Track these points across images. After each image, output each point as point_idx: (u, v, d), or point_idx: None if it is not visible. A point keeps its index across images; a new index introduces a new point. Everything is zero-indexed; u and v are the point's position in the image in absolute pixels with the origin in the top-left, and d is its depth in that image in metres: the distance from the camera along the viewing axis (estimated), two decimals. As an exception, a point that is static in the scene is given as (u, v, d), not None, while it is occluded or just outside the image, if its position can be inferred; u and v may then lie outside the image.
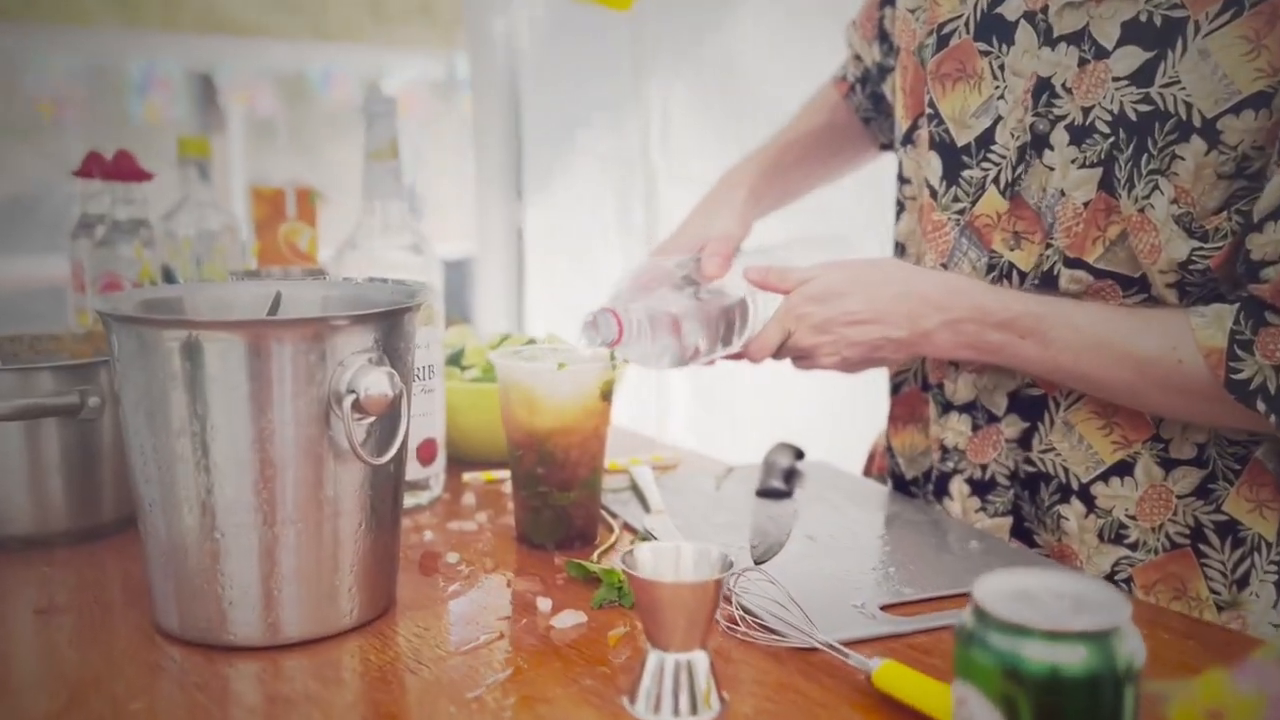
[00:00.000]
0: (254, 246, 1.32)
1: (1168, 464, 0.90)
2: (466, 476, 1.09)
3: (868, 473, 1.18)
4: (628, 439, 1.21)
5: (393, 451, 0.74)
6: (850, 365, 0.96)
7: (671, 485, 1.07)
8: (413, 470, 0.99)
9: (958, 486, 0.99)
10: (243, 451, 0.70)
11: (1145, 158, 0.84)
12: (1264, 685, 0.36)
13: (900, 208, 1.07)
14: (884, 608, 0.79)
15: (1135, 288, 0.88)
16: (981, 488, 0.98)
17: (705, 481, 1.09)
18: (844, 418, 1.49)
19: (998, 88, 0.92)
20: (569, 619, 0.77)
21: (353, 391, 0.71)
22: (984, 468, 0.97)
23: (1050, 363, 0.89)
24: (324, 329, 0.71)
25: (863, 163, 1.26)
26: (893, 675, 0.67)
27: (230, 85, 4.43)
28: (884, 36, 1.13)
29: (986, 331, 0.90)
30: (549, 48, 2.56)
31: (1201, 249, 0.84)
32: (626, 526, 0.97)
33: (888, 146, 1.19)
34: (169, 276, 1.22)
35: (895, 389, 1.09)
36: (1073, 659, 0.46)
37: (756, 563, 0.87)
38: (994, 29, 0.92)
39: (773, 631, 0.74)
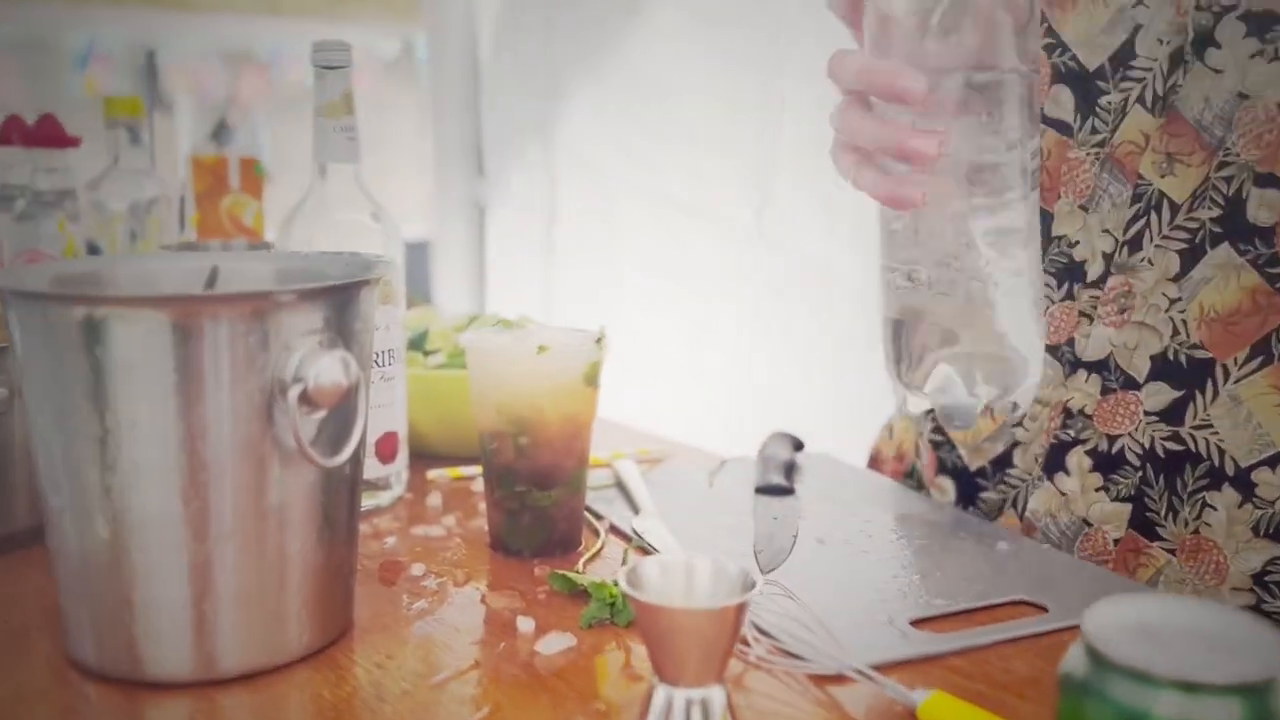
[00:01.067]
0: (194, 219, 1.21)
1: None
2: (431, 474, 0.98)
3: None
4: (608, 429, 1.11)
5: (348, 451, 0.63)
6: None
7: (660, 481, 0.97)
8: (371, 468, 0.88)
9: (1077, 460, 0.85)
10: (168, 453, 0.59)
11: None
12: None
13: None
14: (914, 623, 0.69)
15: None
16: (1107, 464, 0.83)
17: (697, 476, 0.99)
18: (839, 404, 1.40)
19: None
20: (556, 643, 0.67)
21: (300, 380, 0.60)
22: (1112, 440, 0.83)
23: None
24: (265, 306, 0.60)
25: None
26: (943, 710, 0.57)
27: (175, 62, 4.26)
28: None
29: None
30: (511, 21, 2.44)
31: None
32: (613, 529, 0.87)
33: None
34: (94, 252, 1.09)
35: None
36: (1218, 718, 0.36)
37: (763, 571, 0.77)
38: None
39: (793, 655, 0.64)
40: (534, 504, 0.80)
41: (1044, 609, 0.72)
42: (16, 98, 3.58)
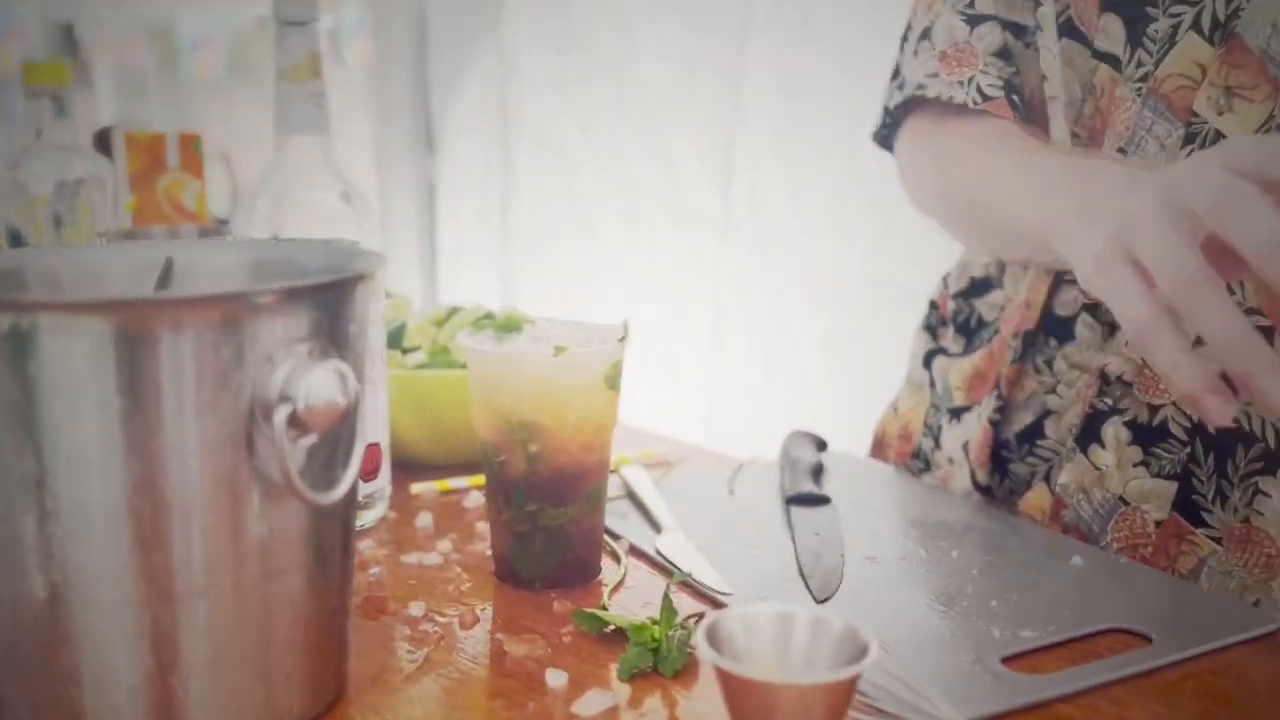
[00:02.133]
0: (128, 203, 1.07)
1: None
2: (416, 488, 0.87)
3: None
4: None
5: (345, 483, 0.52)
6: None
7: (675, 490, 0.86)
8: (352, 487, 0.76)
9: (1114, 431, 0.77)
10: (116, 495, 0.47)
11: None
12: None
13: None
14: (1005, 660, 0.60)
15: None
16: (1146, 436, 0.76)
17: (715, 483, 0.89)
18: (842, 395, 1.30)
19: None
20: (595, 702, 0.56)
21: (287, 400, 0.48)
22: (1154, 410, 0.75)
23: None
24: (240, 310, 0.48)
25: None
26: (1086, 785, 0.47)
27: (96, 37, 4.03)
28: None
29: None
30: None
31: None
32: (634, 551, 0.76)
33: None
34: (16, 240, 0.96)
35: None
36: None
37: (817, 600, 0.67)
38: None
39: (888, 714, 0.54)
40: (547, 523, 0.69)
41: (1146, 639, 0.62)
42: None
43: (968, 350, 0.91)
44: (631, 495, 0.84)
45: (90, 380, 0.46)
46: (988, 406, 0.85)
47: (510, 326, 0.70)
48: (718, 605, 0.67)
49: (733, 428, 1.66)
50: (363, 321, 0.55)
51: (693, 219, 1.78)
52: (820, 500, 0.82)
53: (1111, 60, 0.76)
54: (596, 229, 1.96)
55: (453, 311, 0.97)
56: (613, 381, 0.69)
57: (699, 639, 0.45)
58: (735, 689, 0.43)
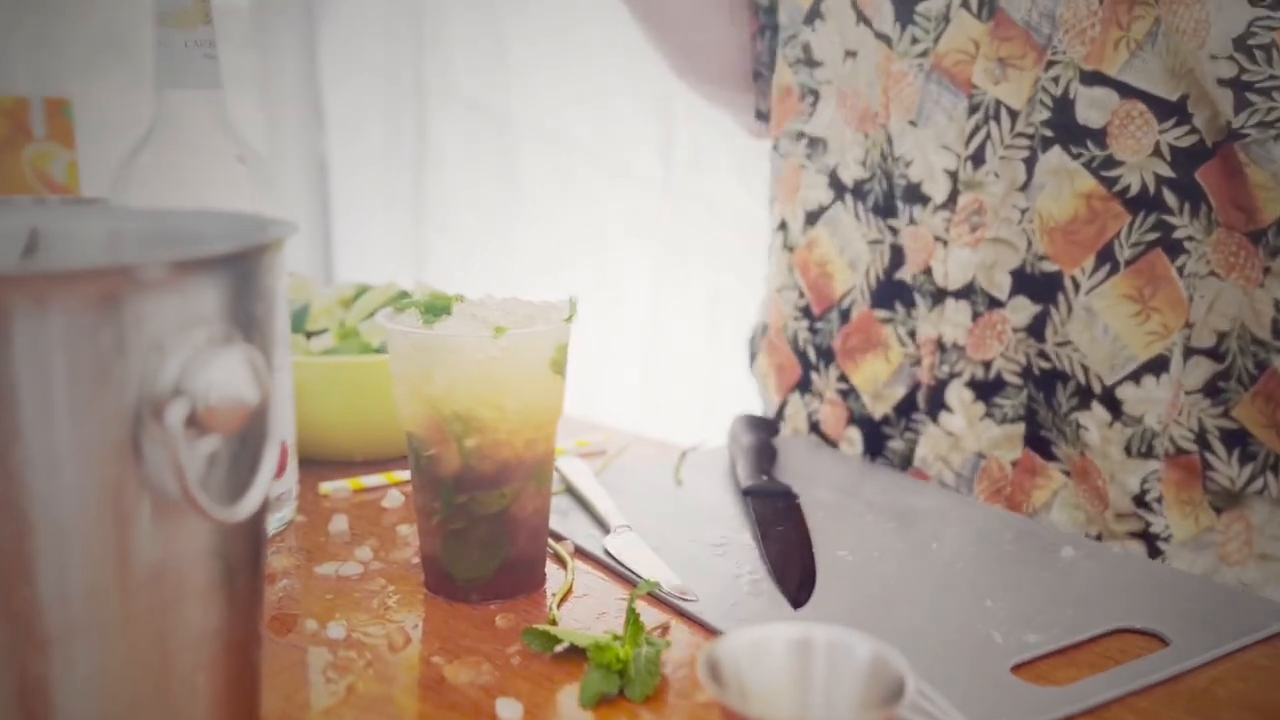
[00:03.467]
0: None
1: (1187, 353, 0.73)
2: (326, 487, 0.78)
3: None
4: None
5: (256, 494, 0.43)
6: None
7: (618, 483, 0.78)
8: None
9: (957, 393, 0.80)
10: (-24, 517, 0.38)
11: None
12: None
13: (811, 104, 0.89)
14: (1015, 669, 0.53)
15: (1174, 116, 0.69)
16: (987, 390, 0.79)
17: (660, 473, 0.81)
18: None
19: None
20: (558, 739, 0.48)
21: (183, 394, 0.39)
22: (988, 365, 0.79)
23: None
24: (122, 285, 0.38)
25: None
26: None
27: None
28: None
29: None
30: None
31: (1271, 19, 0.63)
32: (580, 553, 0.68)
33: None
34: None
35: (752, 340, 0.95)
36: None
37: (795, 606, 0.60)
38: None
39: (900, 740, 0.47)
40: (483, 512, 0.60)
41: (1161, 639, 0.57)
42: None
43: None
44: (571, 490, 0.76)
45: (-72, 375, 0.36)
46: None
47: (438, 306, 0.61)
48: (682, 614, 0.60)
49: (673, 408, 1.58)
50: (271, 300, 0.45)
51: (633, 182, 1.69)
52: (779, 491, 0.74)
53: (883, 38, 0.81)
54: (528, 196, 1.86)
55: (361, 290, 0.87)
56: (559, 366, 0.60)
57: (701, 671, 0.37)
58: (752, 735, 0.36)
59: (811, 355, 0.89)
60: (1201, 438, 0.73)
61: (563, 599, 0.62)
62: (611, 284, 1.68)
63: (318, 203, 2.33)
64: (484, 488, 0.60)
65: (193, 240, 0.49)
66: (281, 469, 0.71)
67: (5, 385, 0.37)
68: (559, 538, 0.69)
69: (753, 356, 0.98)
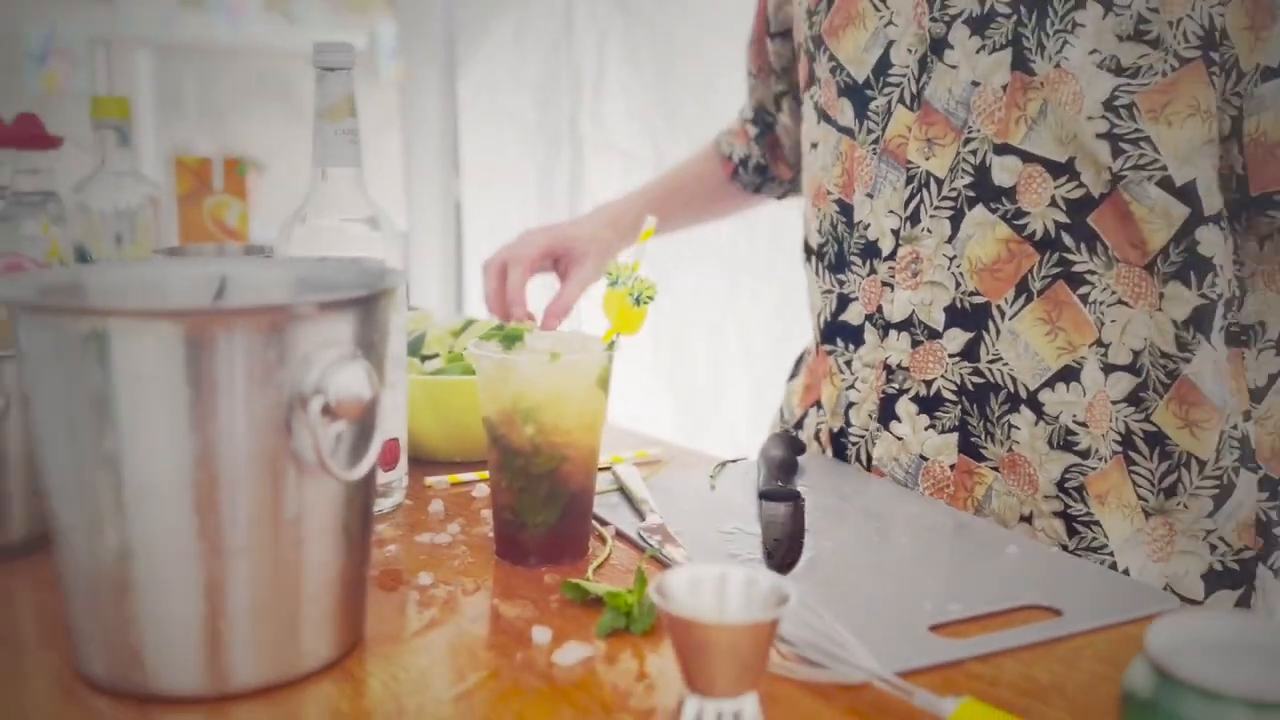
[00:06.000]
0: (176, 223, 1.18)
1: (1107, 369, 0.91)
2: (430, 480, 0.97)
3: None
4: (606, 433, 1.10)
5: (367, 463, 0.62)
6: None
7: (662, 485, 0.96)
8: (373, 475, 0.87)
9: (904, 407, 0.99)
10: (182, 467, 0.58)
11: (1049, 22, 0.87)
12: None
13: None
14: (933, 629, 0.69)
15: (1064, 175, 0.88)
16: (928, 405, 0.97)
17: (698, 479, 0.99)
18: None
19: (881, 18, 0.97)
20: (574, 653, 0.66)
21: (321, 392, 0.59)
22: (929, 384, 0.97)
23: None
24: (283, 319, 0.59)
25: (751, 207, 1.40)
26: (975, 719, 0.57)
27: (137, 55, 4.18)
28: (773, 69, 1.23)
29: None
30: (483, 12, 2.41)
31: (1128, 85, 0.85)
32: (620, 535, 0.86)
33: (784, 195, 1.33)
34: (83, 257, 1.07)
35: (799, 361, 1.18)
36: (1286, 734, 0.36)
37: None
38: None
39: (820, 665, 0.64)
40: (538, 470, 0.78)
41: (1058, 613, 0.72)
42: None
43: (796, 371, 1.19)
44: (622, 489, 0.95)
45: (164, 373, 0.57)
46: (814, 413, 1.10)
47: (514, 336, 0.80)
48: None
49: (728, 426, 1.76)
50: (385, 330, 0.65)
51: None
52: (790, 496, 0.91)
53: (847, 131, 1.01)
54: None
55: (468, 323, 1.07)
56: (603, 383, 0.79)
57: (651, 590, 0.55)
58: (677, 629, 0.53)
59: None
60: (1127, 438, 0.90)
61: (599, 567, 0.80)
62: (680, 309, 1.87)
63: (451, 242, 2.57)
64: (539, 455, 0.78)
65: (332, 285, 0.69)
66: (394, 462, 0.91)
67: (205, 383, 0.57)
68: (604, 523, 0.87)
69: (793, 375, 1.16)
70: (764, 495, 0.91)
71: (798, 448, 1.04)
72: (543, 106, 2.26)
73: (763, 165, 1.30)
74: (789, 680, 0.63)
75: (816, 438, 1.09)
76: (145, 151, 3.85)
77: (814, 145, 1.06)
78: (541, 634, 0.68)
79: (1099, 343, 0.90)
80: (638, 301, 0.79)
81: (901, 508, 0.92)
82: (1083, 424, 0.91)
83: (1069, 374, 0.90)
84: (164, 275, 0.74)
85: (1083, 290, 0.89)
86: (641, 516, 0.88)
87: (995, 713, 0.57)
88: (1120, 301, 0.89)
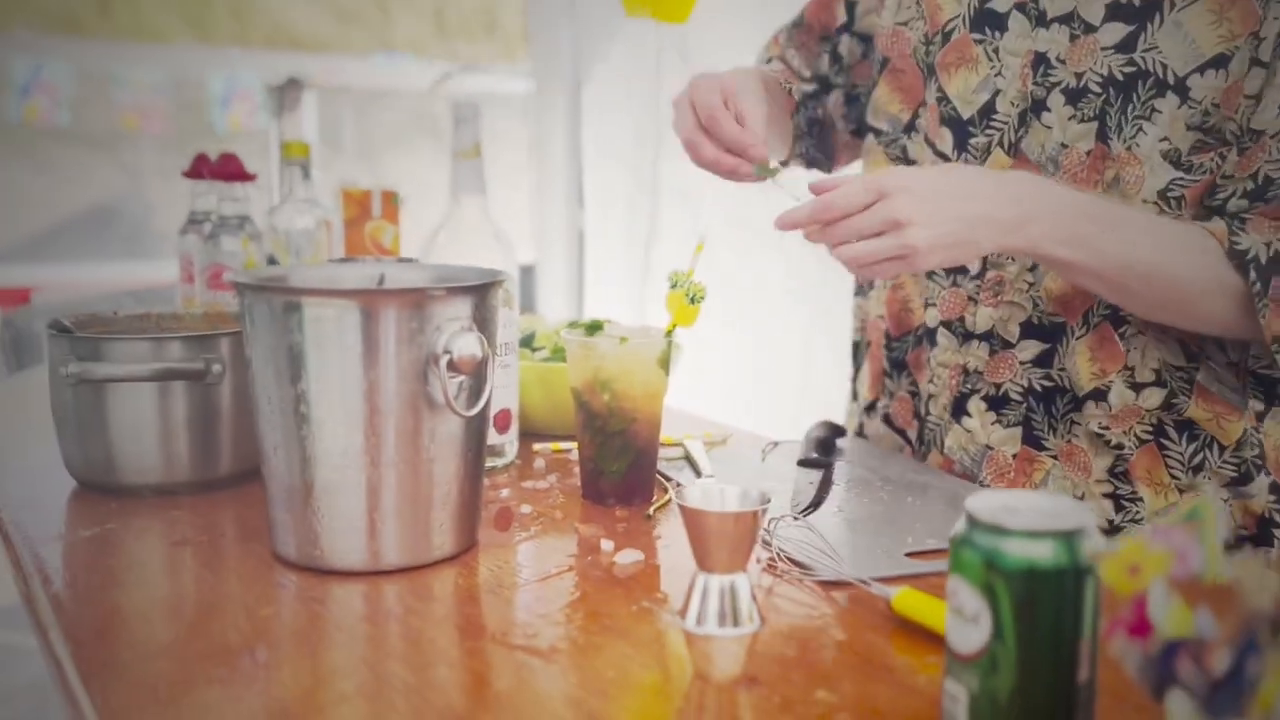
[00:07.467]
0: (341, 243, 1.46)
1: (1136, 387, 1.06)
2: (536, 446, 1.21)
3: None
4: (681, 419, 1.33)
5: (480, 405, 0.86)
6: (931, 251, 0.95)
7: (721, 456, 1.18)
8: (490, 436, 1.10)
9: (975, 404, 1.14)
10: (354, 402, 0.82)
11: (1131, 108, 1.02)
12: (1171, 544, 0.47)
13: None
14: (909, 555, 0.90)
15: None
16: (996, 403, 1.12)
17: (752, 453, 1.20)
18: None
19: (993, 68, 1.10)
20: (629, 556, 0.89)
21: (448, 352, 0.83)
22: (998, 386, 1.12)
23: (1125, 258, 0.98)
24: (424, 299, 0.83)
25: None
26: (909, 600, 0.77)
27: (305, 98, 4.60)
28: (836, 58, 1.33)
29: (1080, 222, 0.98)
30: (605, 58, 2.69)
31: (1181, 179, 1.01)
32: (679, 485, 1.08)
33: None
34: (273, 264, 1.35)
35: (857, 350, 1.33)
36: (1044, 553, 0.56)
37: (795, 517, 0.98)
38: (987, 21, 1.11)
39: (807, 568, 0.85)
40: (613, 429, 1.01)
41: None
42: (169, 137, 3.95)
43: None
44: (688, 457, 1.17)
45: (344, 335, 0.82)
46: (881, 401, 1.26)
47: (595, 327, 1.04)
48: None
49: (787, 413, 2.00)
50: (495, 312, 0.89)
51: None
52: (822, 464, 1.13)
53: (944, 156, 1.14)
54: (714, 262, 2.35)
55: (570, 323, 1.32)
56: (663, 363, 1.02)
57: (674, 497, 0.77)
58: (688, 518, 0.75)
59: (886, 365, 1.25)
60: (1159, 428, 1.06)
61: (661, 507, 1.03)
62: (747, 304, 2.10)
63: (575, 262, 2.83)
64: (614, 417, 1.01)
65: (457, 279, 0.93)
66: (508, 426, 1.15)
67: (369, 342, 0.82)
68: (669, 479, 1.10)
69: (857, 367, 1.34)
70: (800, 463, 1.13)
71: (837, 431, 1.25)
72: (636, 153, 2.54)
73: (812, 119, 1.33)
74: (786, 577, 0.85)
75: (887, 421, 1.26)
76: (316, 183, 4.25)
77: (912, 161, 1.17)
78: (607, 544, 0.91)
79: (1126, 367, 1.06)
80: (692, 300, 1.01)
81: (921, 478, 1.12)
82: (1106, 427, 1.07)
83: (1098, 394, 1.07)
84: (341, 272, 1.00)
85: (1122, 329, 1.06)
86: (699, 475, 1.10)
87: (928, 598, 0.77)
88: (1140, 332, 1.06)
